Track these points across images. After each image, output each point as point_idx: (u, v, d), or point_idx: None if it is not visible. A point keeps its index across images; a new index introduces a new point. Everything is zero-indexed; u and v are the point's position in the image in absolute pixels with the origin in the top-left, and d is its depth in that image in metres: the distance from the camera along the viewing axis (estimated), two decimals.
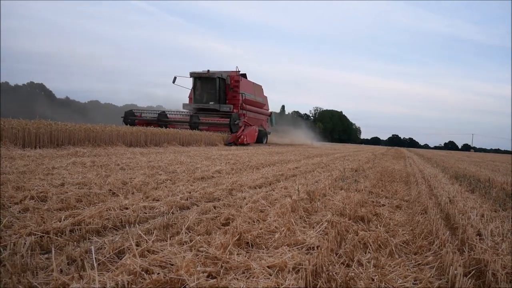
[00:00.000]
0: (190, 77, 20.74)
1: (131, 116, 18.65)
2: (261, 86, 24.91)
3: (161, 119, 18.47)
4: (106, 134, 10.79)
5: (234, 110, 19.97)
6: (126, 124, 16.97)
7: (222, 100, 20.58)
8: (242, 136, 17.56)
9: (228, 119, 17.50)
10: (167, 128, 15.40)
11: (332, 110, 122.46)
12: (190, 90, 21.65)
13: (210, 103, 20.48)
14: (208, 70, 20.47)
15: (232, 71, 21.53)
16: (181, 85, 21.08)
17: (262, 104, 24.63)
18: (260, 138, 23.24)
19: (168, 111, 19.64)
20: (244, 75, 22.43)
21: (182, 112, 20.20)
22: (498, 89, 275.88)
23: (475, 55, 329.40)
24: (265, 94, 25.55)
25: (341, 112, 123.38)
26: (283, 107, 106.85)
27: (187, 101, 21.90)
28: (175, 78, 20.15)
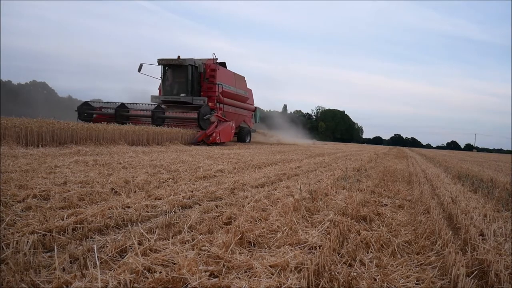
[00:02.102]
0: (158, 64, 17.65)
1: (88, 110, 16.08)
2: (243, 78, 21.84)
3: (121, 113, 15.67)
4: (108, 133, 10.80)
5: (209, 104, 17.10)
6: (82, 120, 15.02)
7: (195, 92, 17.55)
8: (214, 134, 14.69)
9: (197, 113, 14.87)
10: (126, 124, 13.14)
11: (334, 109, 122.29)
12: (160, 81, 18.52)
13: (181, 95, 17.42)
14: (179, 56, 17.21)
15: (209, 59, 18.48)
16: (149, 75, 17.95)
17: (244, 97, 21.60)
18: (242, 136, 21.19)
19: (129, 104, 16.37)
20: (223, 64, 19.59)
21: (149, 105, 16.57)
22: (501, 88, 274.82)
23: (478, 54, 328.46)
24: (249, 86, 22.49)
25: (343, 111, 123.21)
26: (285, 106, 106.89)
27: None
28: (141, 66, 17.06)
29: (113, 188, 3.86)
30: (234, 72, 20.40)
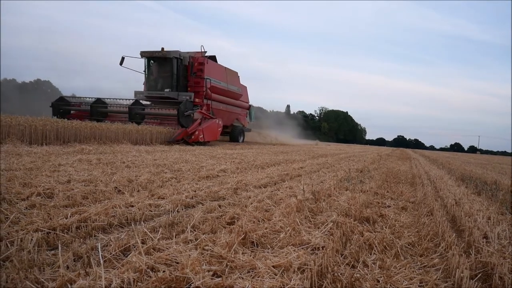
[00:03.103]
0: (141, 57, 16.35)
1: (64, 106, 14.93)
2: (236, 73, 20.37)
3: (97, 109, 14.46)
4: (112, 132, 10.83)
5: (196, 100, 15.81)
6: (57, 116, 13.86)
7: (181, 87, 16.17)
8: (196, 132, 13.27)
9: (176, 109, 13.41)
10: (103, 122, 12.18)
11: (337, 110, 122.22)
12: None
13: (166, 90, 16.10)
14: (162, 48, 15.94)
15: (197, 52, 17.23)
16: (133, 68, 16.52)
17: (237, 94, 20.13)
18: (235, 136, 19.89)
19: (108, 99, 15.14)
20: (213, 58, 18.27)
21: (128, 100, 15.04)
22: (505, 89, 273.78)
23: (482, 55, 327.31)
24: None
25: (347, 112, 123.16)
26: (288, 106, 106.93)
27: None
28: (122, 58, 15.59)
29: (116, 187, 3.87)
30: (225, 67, 19.01)
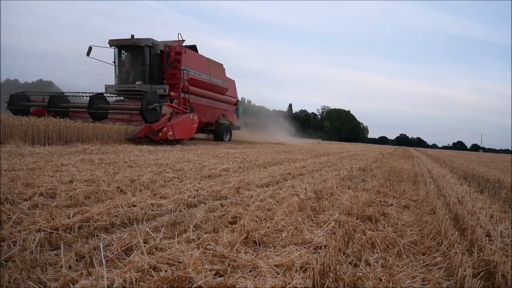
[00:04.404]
0: (110, 46, 14.61)
1: (24, 101, 13.36)
2: (221, 65, 18.58)
3: (56, 105, 12.71)
4: (114, 132, 10.83)
5: (171, 93, 14.15)
6: (14, 113, 12.48)
7: (156, 79, 14.50)
8: (165, 129, 11.46)
9: (140, 103, 11.50)
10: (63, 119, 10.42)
11: (339, 109, 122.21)
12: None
13: (137, 83, 14.39)
14: (132, 36, 14.19)
15: (174, 41, 15.42)
16: (101, 59, 14.59)
17: (222, 88, 18.27)
18: (219, 134, 18.12)
19: (68, 93, 13.62)
20: (193, 47, 16.56)
21: (90, 94, 12.93)
22: (508, 89, 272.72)
23: (484, 55, 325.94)
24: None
25: (349, 111, 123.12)
26: (290, 105, 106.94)
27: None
28: (90, 48, 13.75)
29: (118, 187, 3.87)
30: (208, 58, 17.24)
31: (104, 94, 13.40)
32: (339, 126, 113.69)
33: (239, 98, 21.47)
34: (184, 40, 15.29)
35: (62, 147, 8.22)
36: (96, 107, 12.12)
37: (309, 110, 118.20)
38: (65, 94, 13.57)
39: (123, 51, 14.73)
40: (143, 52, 14.25)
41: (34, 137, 8.73)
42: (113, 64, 14.91)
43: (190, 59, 15.43)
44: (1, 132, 8.30)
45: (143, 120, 11.56)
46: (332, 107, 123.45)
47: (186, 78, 14.81)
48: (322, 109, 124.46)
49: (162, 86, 14.21)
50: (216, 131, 18.28)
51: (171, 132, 11.70)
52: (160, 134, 11.39)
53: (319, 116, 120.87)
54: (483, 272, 2.05)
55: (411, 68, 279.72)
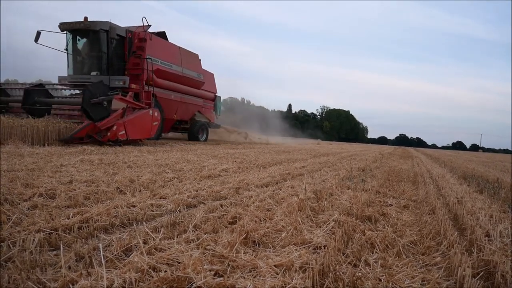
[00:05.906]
0: (62, 31, 12.34)
1: None
2: (197, 56, 16.44)
3: None
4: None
5: (132, 85, 12.03)
6: None
7: (114, 70, 12.47)
8: (115, 127, 9.59)
9: (81, 97, 9.53)
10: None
11: (339, 109, 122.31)
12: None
13: (92, 73, 12.42)
14: (86, 18, 11.91)
15: (139, 26, 13.07)
16: (51, 46, 12.34)
17: (197, 81, 16.11)
18: (194, 133, 16.31)
19: (6, 85, 12.02)
20: (162, 34, 14.56)
21: (27, 85, 10.94)
22: (508, 88, 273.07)
23: (484, 54, 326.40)
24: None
25: (348, 111, 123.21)
26: (289, 105, 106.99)
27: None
28: (38, 33, 11.56)
29: (118, 187, 3.87)
30: (180, 47, 15.16)
31: (56, 86, 12.10)
32: (338, 126, 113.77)
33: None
34: (150, 26, 13.08)
35: (61, 148, 8.21)
36: (34, 101, 10.39)
37: (309, 110, 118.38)
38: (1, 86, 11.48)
39: (78, 37, 12.63)
40: (99, 37, 12.06)
41: (34, 138, 8.71)
42: (65, 52, 12.68)
43: (157, 47, 13.56)
44: (1, 133, 8.30)
45: (86, 117, 9.54)
46: (332, 107, 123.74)
47: (151, 68, 12.53)
48: (322, 109, 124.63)
49: (122, 78, 12.24)
50: (191, 129, 16.44)
51: (123, 132, 9.84)
52: (108, 133, 9.57)
53: (318, 116, 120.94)
54: (482, 272, 2.06)
55: (410, 68, 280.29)
